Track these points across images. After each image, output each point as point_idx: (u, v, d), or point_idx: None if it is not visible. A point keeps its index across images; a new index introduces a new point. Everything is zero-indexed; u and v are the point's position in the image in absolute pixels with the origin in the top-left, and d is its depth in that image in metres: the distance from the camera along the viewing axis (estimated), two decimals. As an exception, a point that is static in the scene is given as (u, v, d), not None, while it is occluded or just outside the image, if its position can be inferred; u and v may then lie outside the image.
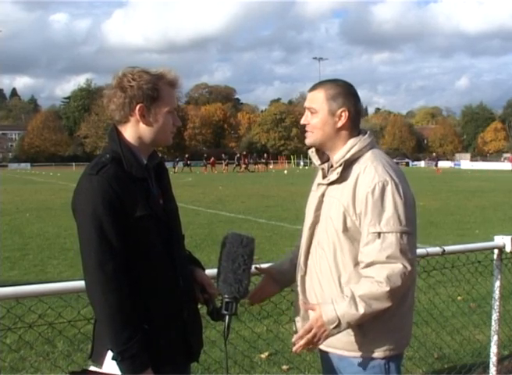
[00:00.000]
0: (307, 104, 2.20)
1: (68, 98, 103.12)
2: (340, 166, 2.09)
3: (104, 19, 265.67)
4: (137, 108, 1.95)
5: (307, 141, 2.21)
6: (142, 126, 1.98)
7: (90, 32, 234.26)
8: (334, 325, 1.95)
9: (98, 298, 1.83)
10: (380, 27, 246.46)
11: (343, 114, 2.13)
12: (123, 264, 1.85)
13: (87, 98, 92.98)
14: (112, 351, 1.84)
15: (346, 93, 2.15)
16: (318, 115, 2.14)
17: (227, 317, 1.93)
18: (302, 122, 2.20)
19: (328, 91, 2.14)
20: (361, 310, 1.94)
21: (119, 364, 1.82)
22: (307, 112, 2.19)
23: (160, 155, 2.16)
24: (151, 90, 1.94)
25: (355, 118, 2.16)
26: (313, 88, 2.20)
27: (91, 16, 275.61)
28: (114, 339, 1.82)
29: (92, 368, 1.91)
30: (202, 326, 2.19)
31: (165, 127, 2.01)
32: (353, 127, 2.16)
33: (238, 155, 56.47)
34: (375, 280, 1.95)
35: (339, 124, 2.13)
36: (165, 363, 1.95)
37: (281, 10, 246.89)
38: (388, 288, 1.93)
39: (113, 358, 1.83)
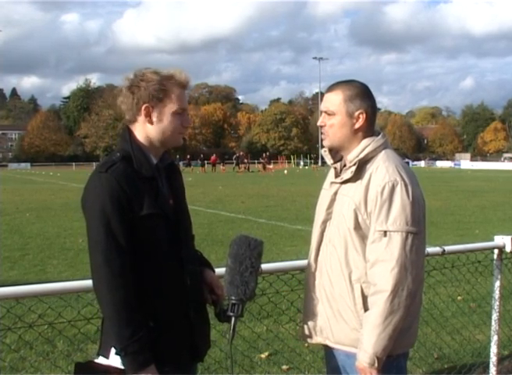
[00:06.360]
0: (323, 106, 2.20)
1: (67, 97, 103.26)
2: (354, 165, 2.12)
3: (115, 19, 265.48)
4: (143, 108, 1.98)
5: (326, 144, 2.23)
6: (148, 126, 2.01)
7: (101, 32, 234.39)
8: (376, 361, 2.01)
9: (104, 295, 1.85)
10: (389, 28, 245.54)
11: (361, 116, 2.16)
12: (130, 261, 1.88)
13: (86, 97, 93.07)
14: (115, 346, 1.86)
15: (362, 94, 2.17)
16: (336, 117, 2.16)
17: (233, 319, 1.93)
18: (319, 124, 2.22)
19: (346, 93, 2.15)
20: (385, 332, 2.00)
21: (122, 359, 1.85)
22: (323, 114, 2.20)
23: None
24: (157, 90, 1.97)
25: (371, 119, 2.19)
26: (329, 90, 2.21)
27: (103, 16, 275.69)
28: (118, 335, 1.85)
29: (97, 360, 1.94)
30: (210, 327, 2.19)
31: (170, 128, 2.01)
32: (369, 128, 2.19)
33: (237, 155, 56.46)
34: (378, 290, 2.01)
35: (357, 126, 2.16)
36: (168, 362, 1.96)
37: (292, 10, 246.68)
38: (391, 296, 1.98)
39: (116, 354, 1.86)
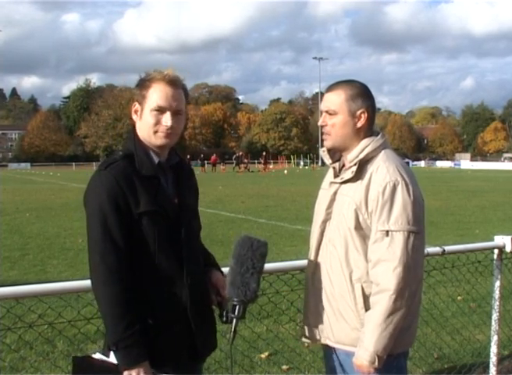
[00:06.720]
0: (324, 106, 2.19)
1: (67, 97, 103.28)
2: (355, 165, 2.13)
3: (116, 19, 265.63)
4: (133, 105, 2.06)
5: (327, 144, 2.22)
6: (137, 123, 2.07)
7: (102, 32, 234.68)
8: (377, 360, 2.01)
9: (99, 289, 1.89)
10: (390, 28, 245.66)
11: (363, 115, 2.16)
12: (126, 258, 1.90)
13: (86, 97, 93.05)
14: (109, 341, 1.89)
15: (363, 94, 2.18)
16: (338, 116, 2.16)
17: (234, 320, 1.92)
18: (320, 123, 2.21)
19: (348, 92, 2.16)
20: (386, 330, 2.00)
21: (115, 354, 1.87)
22: (324, 114, 2.20)
23: None
24: (142, 88, 2.03)
25: (372, 119, 2.20)
26: (330, 90, 2.21)
27: (104, 16, 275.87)
28: (111, 329, 1.87)
29: (96, 355, 1.95)
30: (215, 328, 2.19)
31: (147, 125, 2.03)
32: (369, 128, 2.20)
33: (237, 155, 56.43)
34: (381, 289, 2.01)
35: (359, 125, 2.17)
36: (167, 361, 1.97)
37: (293, 10, 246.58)
38: (395, 295, 1.99)
39: (108, 348, 1.88)
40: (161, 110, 2.00)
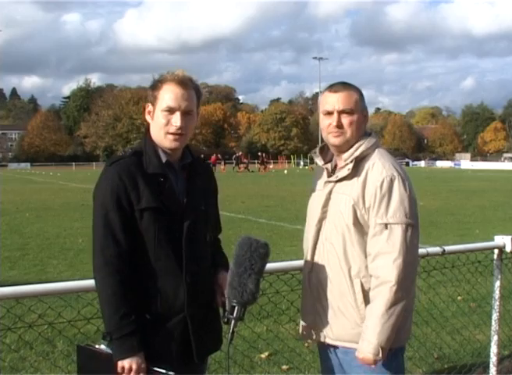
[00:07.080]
0: (337, 106, 2.19)
1: (67, 97, 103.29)
2: (351, 162, 2.17)
3: (116, 19, 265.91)
4: (146, 106, 2.10)
5: (340, 140, 2.21)
6: (150, 124, 2.11)
7: (103, 32, 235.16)
8: (381, 352, 2.02)
9: (99, 282, 1.94)
10: (390, 28, 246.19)
11: (367, 114, 2.27)
12: (124, 252, 1.93)
13: (86, 97, 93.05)
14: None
15: (362, 95, 2.27)
16: (355, 115, 2.20)
17: (232, 321, 1.92)
18: (337, 124, 2.19)
19: (358, 93, 2.23)
20: (388, 322, 2.01)
21: (109, 344, 1.90)
22: (336, 114, 2.19)
23: None
24: (154, 89, 2.06)
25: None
26: (339, 90, 2.21)
27: (104, 16, 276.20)
28: (106, 319, 1.91)
29: (99, 346, 1.97)
30: (219, 329, 2.19)
31: (158, 126, 2.05)
32: (365, 127, 2.27)
33: (236, 155, 56.40)
34: (382, 282, 2.03)
35: (366, 122, 2.26)
36: (163, 359, 1.98)
37: (294, 10, 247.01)
38: (396, 286, 2.01)
39: (103, 338, 1.91)
40: (170, 110, 2.03)
